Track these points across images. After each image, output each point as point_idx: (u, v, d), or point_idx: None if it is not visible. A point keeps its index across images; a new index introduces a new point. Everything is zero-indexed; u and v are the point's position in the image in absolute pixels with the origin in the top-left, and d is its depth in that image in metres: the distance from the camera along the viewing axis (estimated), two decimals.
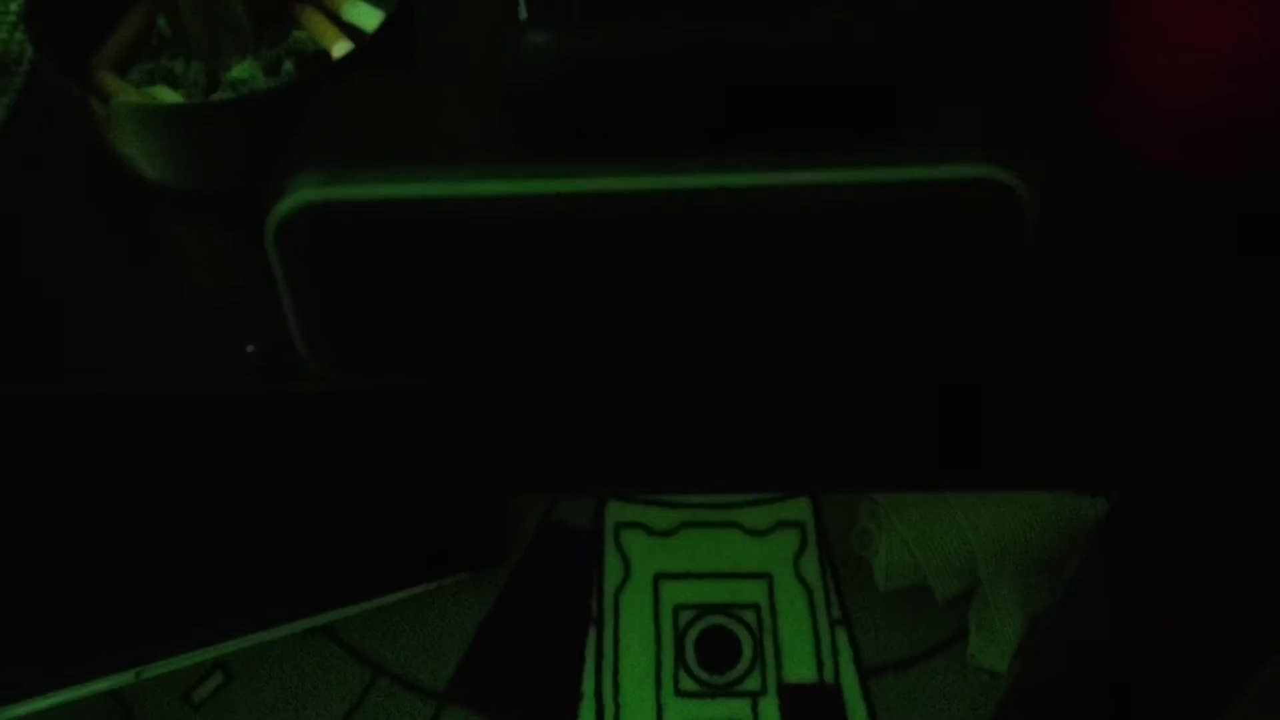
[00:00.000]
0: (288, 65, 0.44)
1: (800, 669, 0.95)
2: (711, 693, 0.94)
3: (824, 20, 0.31)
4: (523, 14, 0.31)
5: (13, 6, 0.49)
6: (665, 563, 1.00)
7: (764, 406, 0.38)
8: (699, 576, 0.99)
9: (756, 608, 0.98)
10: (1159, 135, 0.42)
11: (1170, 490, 0.58)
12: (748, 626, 0.97)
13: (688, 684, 0.94)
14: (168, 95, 0.43)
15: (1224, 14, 0.38)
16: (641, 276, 0.32)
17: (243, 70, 0.44)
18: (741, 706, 0.93)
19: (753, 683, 0.94)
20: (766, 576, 0.99)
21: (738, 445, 0.40)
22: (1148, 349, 0.37)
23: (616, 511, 1.03)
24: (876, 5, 0.31)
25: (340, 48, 0.44)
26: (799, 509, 1.02)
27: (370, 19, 0.45)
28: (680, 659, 0.95)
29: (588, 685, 0.94)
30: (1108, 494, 0.87)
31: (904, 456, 0.41)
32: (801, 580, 0.99)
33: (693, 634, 0.97)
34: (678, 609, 0.98)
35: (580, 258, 0.32)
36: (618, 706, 0.93)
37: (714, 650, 0.96)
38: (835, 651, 0.95)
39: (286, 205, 0.31)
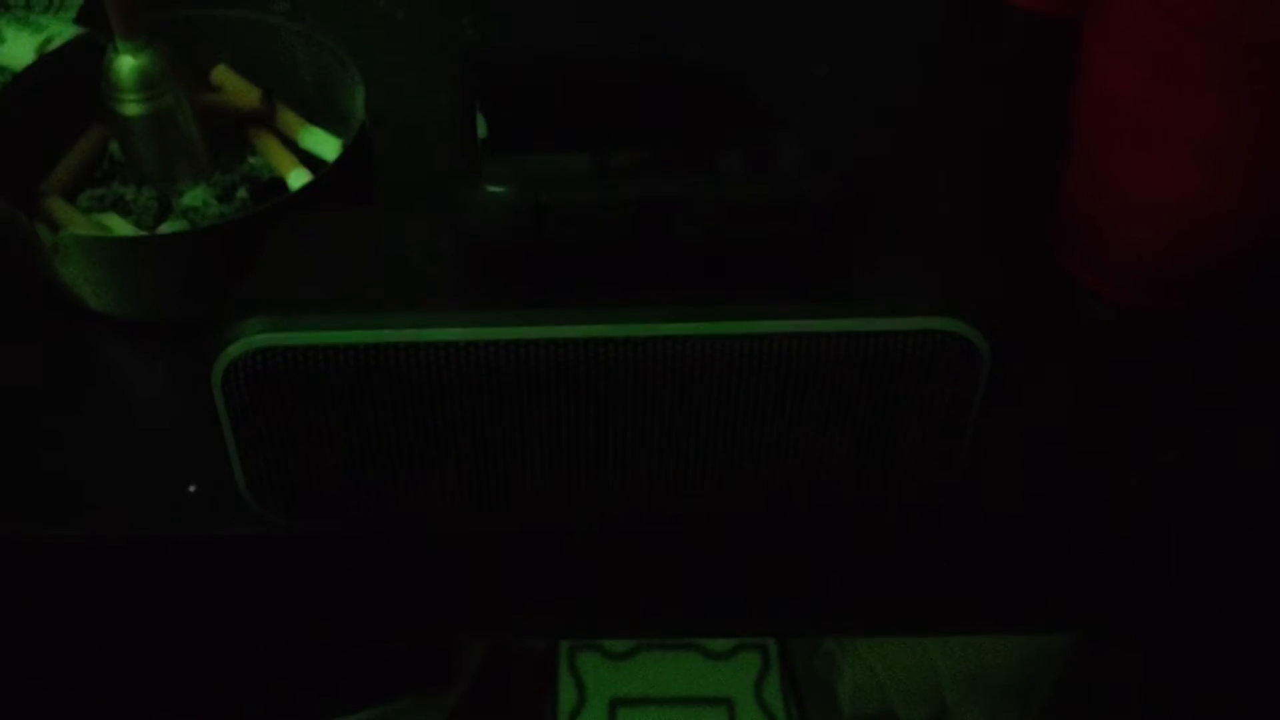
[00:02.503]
0: (241, 192, 0.43)
1: None
2: None
3: (778, 175, 0.31)
4: (481, 160, 0.31)
5: None
6: (622, 687, 0.96)
7: (718, 551, 0.37)
8: (657, 702, 0.96)
9: None
10: (1114, 278, 0.42)
11: (1127, 632, 0.57)
12: None
13: None
14: (118, 224, 0.42)
15: (1179, 167, 0.38)
16: (597, 422, 0.31)
17: (195, 197, 0.43)
18: None
19: None
20: (727, 702, 0.96)
21: (692, 590, 0.39)
22: (1100, 492, 0.37)
23: None
24: (831, 159, 0.32)
25: (297, 176, 0.43)
26: None
27: (328, 147, 0.44)
28: None
29: None
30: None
31: (857, 599, 0.40)
32: (764, 706, 0.96)
33: None
34: None
35: (536, 404, 0.31)
36: None
37: None
38: None
39: (234, 350, 0.30)
